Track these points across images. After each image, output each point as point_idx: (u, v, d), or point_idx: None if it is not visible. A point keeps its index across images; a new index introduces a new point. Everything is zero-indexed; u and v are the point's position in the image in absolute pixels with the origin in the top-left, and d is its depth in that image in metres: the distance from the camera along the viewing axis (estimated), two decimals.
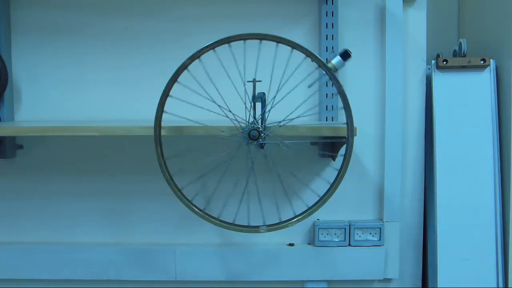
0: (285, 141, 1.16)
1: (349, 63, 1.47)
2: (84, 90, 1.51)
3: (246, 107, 1.14)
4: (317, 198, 1.18)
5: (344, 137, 1.17)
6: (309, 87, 1.16)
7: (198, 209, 1.18)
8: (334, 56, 1.15)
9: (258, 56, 1.12)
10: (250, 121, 1.15)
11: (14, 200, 1.54)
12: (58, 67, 1.51)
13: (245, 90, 1.14)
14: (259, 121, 1.15)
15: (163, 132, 1.16)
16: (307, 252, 1.50)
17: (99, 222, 1.54)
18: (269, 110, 1.16)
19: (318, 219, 1.51)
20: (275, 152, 1.23)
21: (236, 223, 1.20)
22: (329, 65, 1.14)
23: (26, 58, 1.51)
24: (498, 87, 1.48)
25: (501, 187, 1.45)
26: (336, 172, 1.16)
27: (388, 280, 1.54)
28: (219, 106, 1.14)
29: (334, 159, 1.41)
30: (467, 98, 1.47)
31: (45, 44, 1.50)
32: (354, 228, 1.49)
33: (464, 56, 1.50)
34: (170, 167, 1.16)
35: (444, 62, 1.47)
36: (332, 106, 1.47)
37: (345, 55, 1.15)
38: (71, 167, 1.53)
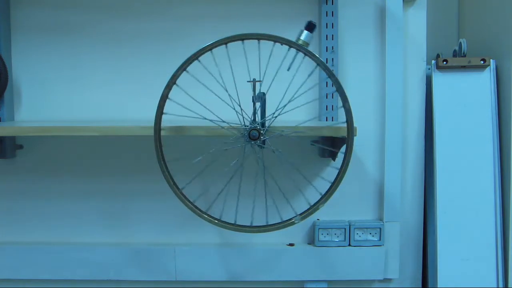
0: (285, 132, 1.17)
1: (350, 63, 1.49)
2: (84, 90, 1.51)
3: (236, 110, 1.14)
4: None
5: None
6: (288, 70, 1.16)
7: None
8: (301, 32, 1.14)
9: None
10: (247, 123, 1.15)
11: (14, 200, 1.54)
12: (58, 67, 1.51)
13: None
14: (257, 120, 1.15)
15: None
16: (307, 252, 1.50)
17: (99, 222, 1.54)
18: (262, 109, 1.16)
19: (318, 219, 1.51)
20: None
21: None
22: (300, 42, 1.13)
23: (26, 58, 1.51)
24: (498, 87, 1.48)
25: (501, 187, 1.45)
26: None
27: (388, 280, 1.54)
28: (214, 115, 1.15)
29: (334, 159, 1.41)
30: (467, 98, 1.47)
31: (45, 44, 1.50)
32: (354, 228, 1.49)
33: (464, 56, 1.50)
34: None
35: (444, 62, 1.47)
36: (332, 106, 1.47)
37: (310, 27, 1.14)
38: (71, 167, 1.53)
